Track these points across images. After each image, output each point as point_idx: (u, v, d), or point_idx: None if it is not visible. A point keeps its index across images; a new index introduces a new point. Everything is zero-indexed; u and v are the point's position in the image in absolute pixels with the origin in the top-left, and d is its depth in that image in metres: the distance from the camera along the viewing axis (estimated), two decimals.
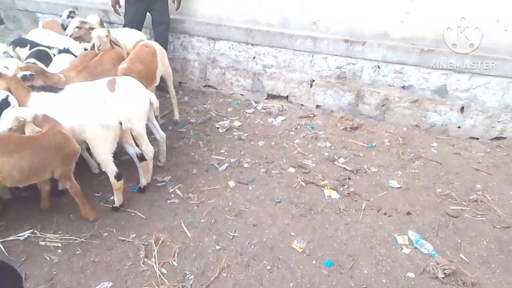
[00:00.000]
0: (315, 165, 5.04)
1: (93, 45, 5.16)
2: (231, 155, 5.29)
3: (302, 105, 6.54)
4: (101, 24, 7.04)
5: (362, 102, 6.03)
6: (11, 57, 5.49)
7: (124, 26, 5.86)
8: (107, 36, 5.16)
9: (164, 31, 6.49)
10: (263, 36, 6.43)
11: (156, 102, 4.45)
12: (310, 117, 6.32)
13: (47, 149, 3.41)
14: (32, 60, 4.86)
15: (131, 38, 6.22)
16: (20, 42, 5.62)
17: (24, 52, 5.52)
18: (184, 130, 5.97)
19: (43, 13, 8.27)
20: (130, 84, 4.36)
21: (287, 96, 6.62)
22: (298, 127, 6.06)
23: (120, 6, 5.80)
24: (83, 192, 3.91)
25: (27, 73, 4.08)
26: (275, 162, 5.13)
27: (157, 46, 5.41)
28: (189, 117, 6.38)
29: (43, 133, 3.45)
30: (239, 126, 6.07)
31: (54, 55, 5.49)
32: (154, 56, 5.27)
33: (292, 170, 4.95)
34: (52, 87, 4.11)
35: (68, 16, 6.22)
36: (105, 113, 3.82)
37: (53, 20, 6.90)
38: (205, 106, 6.77)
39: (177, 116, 6.13)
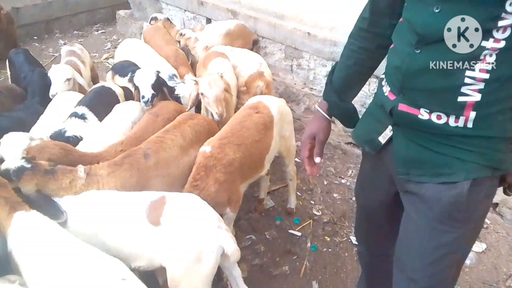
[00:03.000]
0: None
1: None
2: None
3: None
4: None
5: None
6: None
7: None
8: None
9: None
10: None
11: (233, 252, 2.21)
12: None
13: None
14: (81, 110, 3.09)
15: (247, 69, 4.09)
16: (120, 70, 3.99)
17: (123, 83, 3.86)
18: (299, 234, 3.63)
19: (168, 3, 6.69)
20: (191, 213, 2.21)
21: (497, 204, 3.65)
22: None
23: None
24: None
25: (12, 166, 2.24)
26: None
27: (274, 107, 3.10)
28: (312, 202, 4.01)
29: None
30: None
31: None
32: (268, 129, 2.99)
33: None
34: (48, 204, 2.22)
35: None
36: None
37: (158, 26, 5.10)
38: (344, 180, 4.28)
39: (292, 203, 3.82)
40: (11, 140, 2.51)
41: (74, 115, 3.11)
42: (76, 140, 2.95)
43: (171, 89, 3.64)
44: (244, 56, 4.33)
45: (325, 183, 4.27)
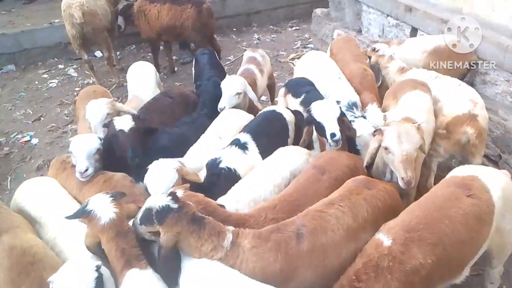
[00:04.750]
0: None
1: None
2: None
3: None
4: None
5: None
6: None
7: None
8: None
9: None
10: None
11: None
12: None
13: None
14: (244, 137, 2.82)
15: (452, 107, 3.08)
16: (293, 88, 3.53)
17: (294, 104, 3.44)
18: None
19: (369, 5, 5.86)
20: None
21: None
22: None
23: None
24: None
25: (156, 205, 1.88)
26: None
27: (497, 190, 2.11)
28: None
29: None
30: None
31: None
32: (483, 224, 2.07)
33: None
34: (171, 268, 1.88)
35: None
36: None
37: (349, 38, 4.35)
38: None
39: None
40: (158, 172, 2.27)
41: (236, 143, 2.77)
42: (228, 174, 2.60)
43: (348, 124, 2.92)
44: (453, 88, 3.25)
45: None
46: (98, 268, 1.80)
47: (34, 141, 4.81)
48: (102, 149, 2.62)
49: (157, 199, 1.92)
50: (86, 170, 2.46)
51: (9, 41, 6.56)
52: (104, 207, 1.92)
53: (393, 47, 4.20)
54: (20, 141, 4.83)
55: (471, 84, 4.18)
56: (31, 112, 5.41)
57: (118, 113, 3.03)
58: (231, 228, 1.98)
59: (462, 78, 3.96)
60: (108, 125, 2.74)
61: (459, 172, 2.25)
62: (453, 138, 3.06)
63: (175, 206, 1.88)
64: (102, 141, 2.65)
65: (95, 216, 1.89)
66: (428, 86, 3.22)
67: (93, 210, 1.91)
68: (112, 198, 1.95)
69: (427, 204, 2.06)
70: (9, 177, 4.19)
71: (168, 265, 1.86)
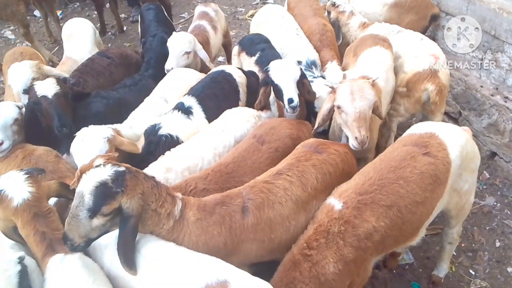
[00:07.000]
0: None
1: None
2: None
3: None
4: None
5: None
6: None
7: None
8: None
9: None
10: None
11: None
12: None
13: None
14: (189, 101, 2.63)
15: (413, 63, 2.92)
16: (248, 46, 3.25)
17: (249, 63, 3.18)
18: None
19: None
20: None
21: None
22: None
23: None
24: None
25: (106, 175, 1.56)
26: None
27: (456, 148, 2.03)
28: (471, 273, 2.81)
29: None
30: None
31: None
32: (439, 183, 1.98)
33: None
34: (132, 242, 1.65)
35: None
36: None
37: None
38: None
39: (442, 272, 2.69)
40: (84, 142, 1.99)
41: (179, 107, 2.52)
42: (169, 142, 2.36)
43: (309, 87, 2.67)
44: (414, 43, 3.09)
45: (498, 244, 2.95)
46: (21, 260, 1.57)
47: None
48: (23, 119, 2.30)
49: (100, 173, 1.58)
50: (1, 143, 2.15)
51: None
52: (16, 186, 1.67)
53: (353, 0, 3.97)
54: None
55: (433, 38, 4.04)
56: None
57: (47, 77, 2.67)
58: (179, 195, 1.78)
59: (423, 32, 3.82)
60: (28, 91, 2.38)
61: (417, 129, 2.13)
62: (414, 96, 2.94)
63: (122, 168, 1.61)
64: (23, 109, 2.31)
65: (6, 196, 1.64)
66: (389, 41, 3.03)
67: (3, 190, 1.65)
68: (27, 176, 1.68)
69: (382, 165, 1.94)
70: None
71: (134, 239, 1.61)
